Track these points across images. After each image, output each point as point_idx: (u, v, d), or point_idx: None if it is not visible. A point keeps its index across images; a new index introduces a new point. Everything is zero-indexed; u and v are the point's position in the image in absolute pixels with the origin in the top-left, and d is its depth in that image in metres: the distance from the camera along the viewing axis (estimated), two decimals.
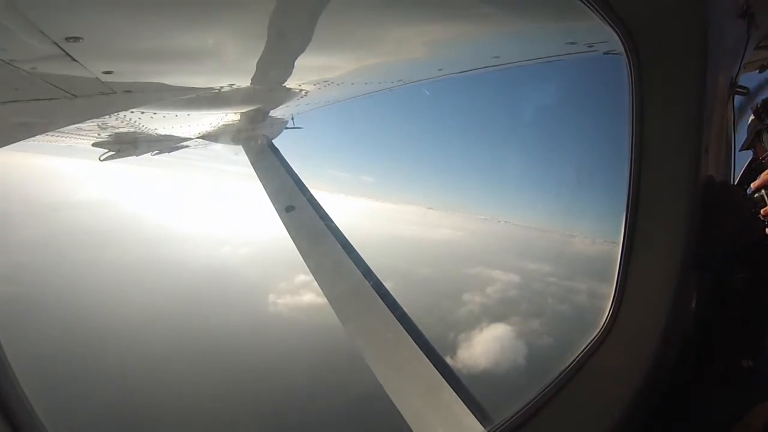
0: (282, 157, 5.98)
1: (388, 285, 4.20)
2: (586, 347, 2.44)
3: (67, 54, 2.31)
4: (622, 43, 2.35)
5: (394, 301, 3.98)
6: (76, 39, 2.19)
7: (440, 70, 4.89)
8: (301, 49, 3.30)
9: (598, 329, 2.48)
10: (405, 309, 3.90)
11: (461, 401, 2.99)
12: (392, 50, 4.00)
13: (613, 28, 2.29)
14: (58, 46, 2.20)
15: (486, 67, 4.51)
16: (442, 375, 3.29)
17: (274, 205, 5.37)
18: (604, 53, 3.10)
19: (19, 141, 3.46)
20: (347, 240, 4.72)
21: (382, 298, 4.00)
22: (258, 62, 3.44)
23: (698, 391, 2.65)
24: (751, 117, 3.34)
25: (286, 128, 6.84)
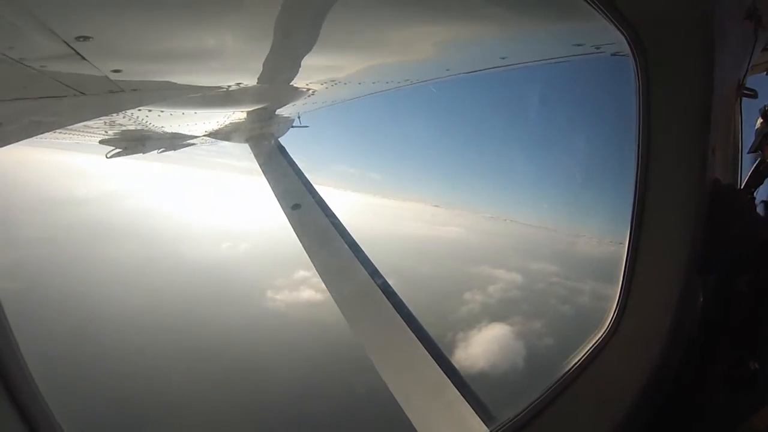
0: (288, 155, 6.00)
1: (394, 283, 4.20)
2: (591, 348, 2.44)
3: (77, 53, 2.33)
4: (629, 44, 2.35)
5: (400, 300, 3.99)
6: (86, 38, 2.21)
7: (448, 70, 4.89)
8: (308, 49, 3.31)
9: (603, 330, 2.48)
10: (410, 308, 3.91)
11: (466, 401, 2.99)
12: (400, 50, 4.01)
13: (620, 30, 2.29)
14: (68, 45, 2.22)
15: (493, 67, 4.51)
16: (446, 374, 3.29)
17: (280, 203, 5.38)
18: (612, 54, 3.09)
19: (28, 138, 3.49)
20: (353, 238, 4.73)
21: (387, 297, 4.00)
22: (265, 62, 3.45)
23: (703, 393, 2.65)
24: (759, 120, 3.32)
25: (293, 127, 6.87)
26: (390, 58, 4.36)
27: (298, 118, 6.71)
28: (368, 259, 4.49)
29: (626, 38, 2.33)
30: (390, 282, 4.20)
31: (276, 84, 4.54)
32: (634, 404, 2.27)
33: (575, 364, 2.39)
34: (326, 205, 5.19)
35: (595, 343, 2.45)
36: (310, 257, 4.81)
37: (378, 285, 4.15)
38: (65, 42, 2.20)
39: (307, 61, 3.60)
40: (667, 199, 2.50)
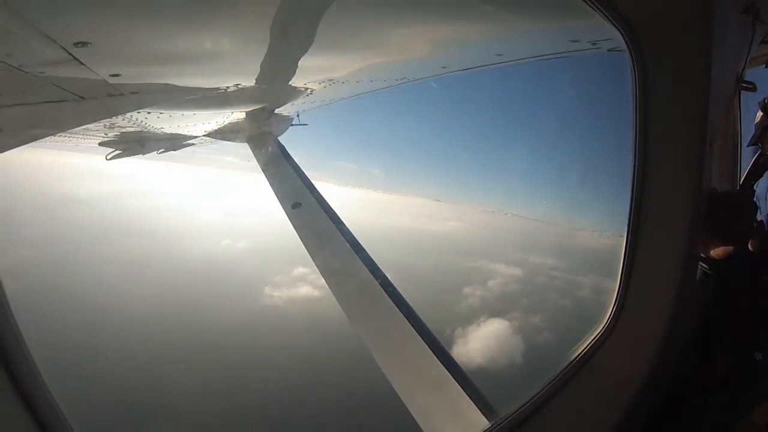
0: (288, 153, 6.01)
1: (395, 279, 4.21)
2: (590, 343, 2.46)
3: (76, 59, 2.35)
4: (625, 39, 2.35)
5: (400, 295, 4.00)
6: (84, 44, 2.23)
7: (444, 68, 4.89)
8: (304, 49, 3.31)
9: (603, 325, 2.49)
10: (411, 303, 3.92)
11: (466, 395, 3.02)
12: (397, 49, 4.01)
13: (615, 25, 2.28)
14: (67, 51, 2.24)
15: (490, 64, 4.51)
16: (447, 369, 3.31)
17: (280, 202, 5.40)
18: (608, 50, 3.08)
19: (30, 142, 3.50)
20: (353, 235, 4.73)
21: (388, 293, 4.02)
22: (262, 62, 3.47)
23: (703, 389, 2.66)
24: (759, 113, 3.32)
25: (292, 125, 6.89)
26: (387, 56, 4.36)
27: (297, 116, 6.72)
28: (368, 255, 4.50)
29: (622, 33, 2.32)
30: (390, 277, 4.22)
31: (274, 84, 4.55)
32: (634, 399, 2.28)
33: (575, 358, 2.40)
34: (326, 203, 5.20)
35: (595, 338, 2.46)
36: (311, 255, 4.83)
37: (378, 281, 4.16)
38: (64, 48, 2.22)
39: (305, 61, 3.61)
40: (666, 194, 2.50)
